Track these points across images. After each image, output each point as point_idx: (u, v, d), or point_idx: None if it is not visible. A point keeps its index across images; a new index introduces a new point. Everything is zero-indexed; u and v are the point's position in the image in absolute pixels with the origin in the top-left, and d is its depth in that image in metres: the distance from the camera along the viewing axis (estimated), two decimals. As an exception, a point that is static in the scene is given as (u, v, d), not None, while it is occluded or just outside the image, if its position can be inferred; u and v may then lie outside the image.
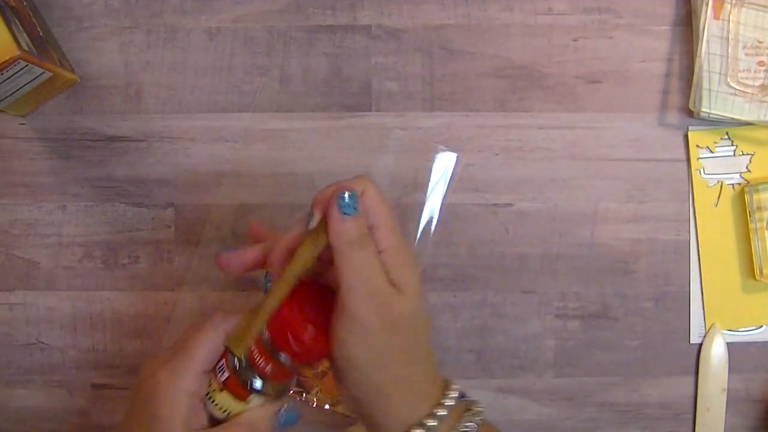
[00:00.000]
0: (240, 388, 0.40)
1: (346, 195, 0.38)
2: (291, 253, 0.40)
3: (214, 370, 0.41)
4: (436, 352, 0.42)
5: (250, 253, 0.44)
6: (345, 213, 0.38)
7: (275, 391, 0.41)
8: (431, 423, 0.40)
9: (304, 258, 0.39)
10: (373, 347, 0.38)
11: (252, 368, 0.40)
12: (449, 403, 0.41)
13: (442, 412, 0.40)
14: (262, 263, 0.44)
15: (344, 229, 0.38)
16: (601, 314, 0.58)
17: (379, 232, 0.39)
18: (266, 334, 0.40)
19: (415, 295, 0.39)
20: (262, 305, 0.40)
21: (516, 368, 0.58)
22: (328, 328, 0.39)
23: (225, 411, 0.40)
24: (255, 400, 0.41)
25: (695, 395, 0.58)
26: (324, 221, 0.39)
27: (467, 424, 0.41)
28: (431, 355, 0.42)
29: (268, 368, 0.40)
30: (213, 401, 0.40)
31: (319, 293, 0.41)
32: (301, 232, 0.40)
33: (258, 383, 0.40)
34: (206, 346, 0.40)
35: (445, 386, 0.42)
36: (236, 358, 0.40)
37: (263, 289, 0.42)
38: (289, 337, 0.39)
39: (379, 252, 0.39)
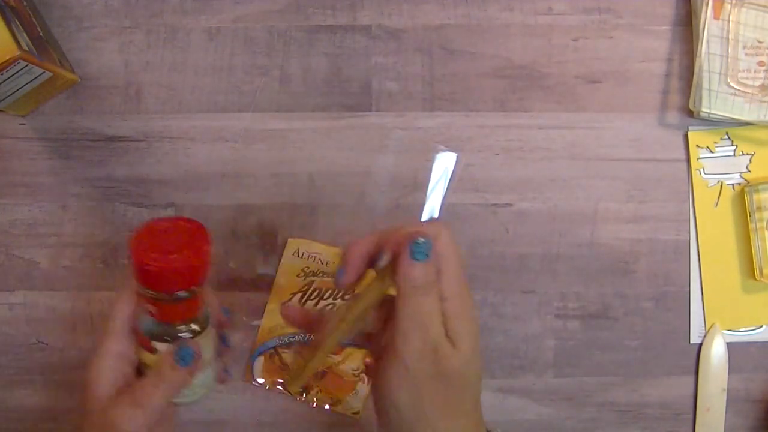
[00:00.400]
0: (144, 340, 0.42)
1: (421, 240, 0.38)
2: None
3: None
4: (480, 407, 0.41)
5: (312, 313, 0.46)
6: (416, 258, 0.37)
7: (171, 334, 0.42)
8: None
9: (368, 299, 0.39)
10: (419, 395, 0.38)
11: (145, 316, 0.42)
12: None
13: None
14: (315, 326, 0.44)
15: (413, 274, 0.37)
16: (601, 314, 0.58)
17: (445, 280, 0.39)
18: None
19: (470, 350, 0.39)
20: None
21: (516, 368, 0.58)
22: (182, 251, 0.40)
23: (147, 366, 0.43)
24: (160, 347, 0.42)
25: (695, 395, 0.58)
26: (392, 263, 0.38)
27: None
28: (477, 409, 0.41)
29: (151, 309, 0.41)
30: (141, 362, 0.43)
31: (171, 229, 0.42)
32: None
33: (146, 323, 0.42)
34: (121, 308, 0.43)
35: None
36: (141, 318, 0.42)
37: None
38: (137, 266, 0.40)
39: (442, 300, 0.38)
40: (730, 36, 0.56)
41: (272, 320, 0.57)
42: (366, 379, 0.57)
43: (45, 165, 0.58)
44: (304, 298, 0.57)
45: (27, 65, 0.51)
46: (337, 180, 0.58)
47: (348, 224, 0.58)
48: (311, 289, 0.57)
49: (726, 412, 0.58)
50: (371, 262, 0.40)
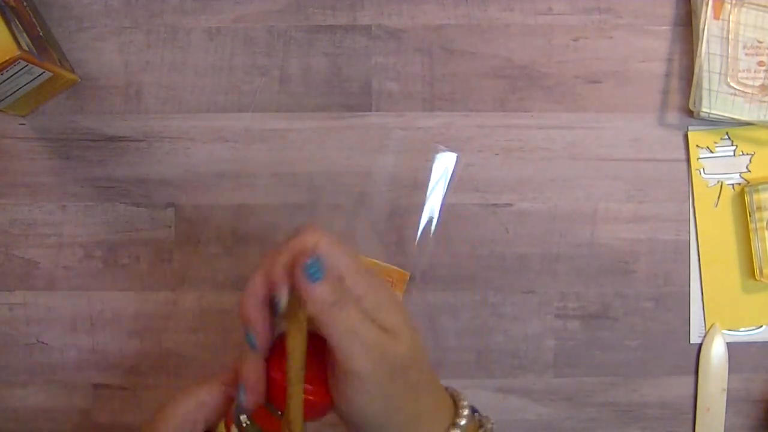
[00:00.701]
0: None
1: (309, 261, 0.35)
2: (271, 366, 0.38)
3: None
4: (435, 377, 0.42)
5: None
6: (315, 279, 0.35)
7: None
8: None
9: (298, 347, 0.37)
10: (382, 397, 0.38)
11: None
12: (462, 422, 0.41)
13: None
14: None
15: (322, 296, 0.35)
16: (601, 314, 0.58)
17: (351, 280, 0.37)
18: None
19: (408, 333, 0.38)
20: (288, 418, 0.37)
21: (516, 368, 0.58)
22: (323, 380, 0.38)
23: None
24: None
25: (695, 395, 0.58)
26: (294, 297, 0.36)
27: None
28: (434, 378, 0.41)
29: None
30: None
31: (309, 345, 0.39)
32: (254, 352, 0.37)
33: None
34: (175, 420, 0.39)
35: (455, 404, 0.42)
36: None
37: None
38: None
39: (358, 300, 0.37)
40: (730, 36, 0.56)
41: None
42: None
43: (45, 165, 0.58)
44: None
45: (27, 65, 0.51)
46: (337, 180, 0.58)
47: (348, 224, 0.58)
48: None
49: (726, 412, 0.58)
50: (271, 308, 0.37)
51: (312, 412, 0.38)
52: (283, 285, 0.36)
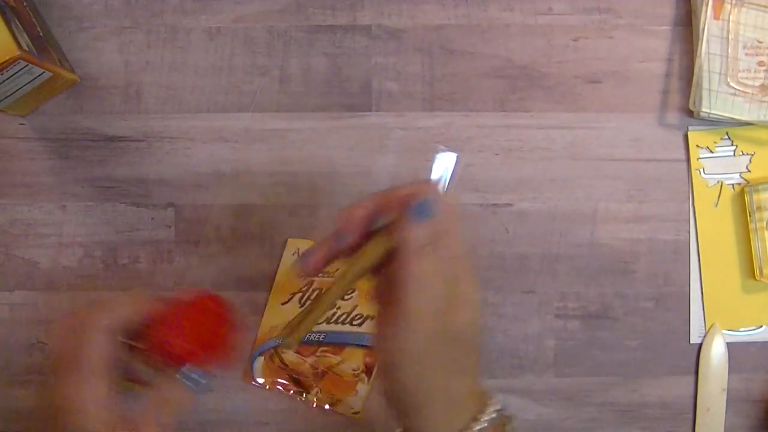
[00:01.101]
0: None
1: (424, 199, 0.38)
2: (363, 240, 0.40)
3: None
4: (479, 366, 0.42)
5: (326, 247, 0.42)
6: (420, 218, 0.38)
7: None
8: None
9: (370, 257, 0.39)
10: (423, 350, 0.38)
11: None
12: (486, 417, 0.40)
13: (478, 427, 0.40)
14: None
15: (417, 235, 0.37)
16: (601, 314, 0.58)
17: (448, 241, 0.39)
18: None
19: (473, 309, 0.39)
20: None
21: (516, 368, 0.58)
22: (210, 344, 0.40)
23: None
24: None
25: (695, 395, 0.58)
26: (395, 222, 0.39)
27: None
28: (476, 368, 0.41)
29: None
30: None
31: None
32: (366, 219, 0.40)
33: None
34: (97, 353, 0.39)
35: (485, 400, 0.42)
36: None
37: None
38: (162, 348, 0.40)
39: (445, 261, 0.38)
40: (730, 36, 0.56)
41: (272, 320, 0.57)
42: (366, 379, 0.57)
43: (45, 165, 0.58)
44: (304, 298, 0.57)
45: (27, 65, 0.51)
46: (337, 180, 0.58)
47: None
48: (311, 288, 0.57)
49: (726, 412, 0.58)
50: (371, 224, 0.40)
51: (177, 358, 0.40)
52: (390, 211, 0.39)
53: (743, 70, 0.56)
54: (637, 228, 0.58)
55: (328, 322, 0.56)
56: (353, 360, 0.57)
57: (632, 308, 0.58)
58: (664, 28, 0.59)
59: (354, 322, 0.56)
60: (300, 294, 0.57)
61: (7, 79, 0.51)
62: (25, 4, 0.55)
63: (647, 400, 0.59)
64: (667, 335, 0.58)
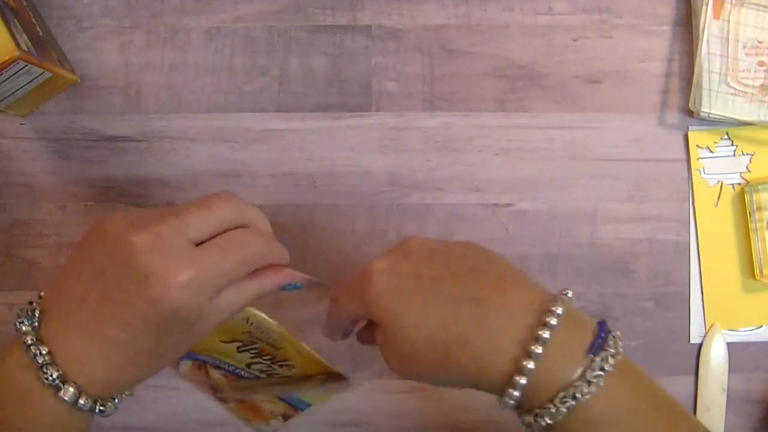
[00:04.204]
0: None
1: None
2: None
3: None
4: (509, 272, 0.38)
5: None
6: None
7: None
8: (537, 350, 0.34)
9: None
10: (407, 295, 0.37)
11: None
12: (553, 321, 0.35)
13: (546, 335, 0.34)
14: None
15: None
16: (601, 314, 0.58)
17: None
18: None
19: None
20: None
21: (516, 368, 0.58)
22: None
23: None
24: None
25: (695, 395, 0.58)
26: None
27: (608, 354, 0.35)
28: (496, 265, 0.38)
29: None
30: None
31: None
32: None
33: None
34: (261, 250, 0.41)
35: (549, 298, 0.37)
36: None
37: None
38: None
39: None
40: (730, 36, 0.56)
41: (208, 343, 0.53)
42: (281, 422, 0.56)
43: (45, 165, 0.58)
44: (243, 348, 0.52)
45: (26, 65, 0.51)
46: (337, 180, 0.58)
47: (348, 225, 0.58)
48: (252, 346, 0.52)
49: (726, 412, 0.58)
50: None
51: None
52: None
53: (743, 70, 0.56)
54: (637, 228, 0.58)
55: (261, 372, 0.53)
56: (275, 406, 0.55)
57: (632, 308, 0.58)
58: (664, 28, 0.59)
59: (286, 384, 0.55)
60: (240, 344, 0.52)
61: (7, 79, 0.51)
62: (24, 4, 0.55)
63: (647, 400, 0.59)
64: (667, 335, 0.58)
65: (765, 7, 0.56)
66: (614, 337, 0.37)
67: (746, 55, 0.56)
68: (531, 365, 0.34)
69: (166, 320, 0.36)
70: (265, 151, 0.58)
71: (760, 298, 0.58)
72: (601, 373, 0.35)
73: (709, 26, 0.56)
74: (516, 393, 0.35)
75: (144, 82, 0.58)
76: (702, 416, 0.58)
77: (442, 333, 0.36)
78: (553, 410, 0.35)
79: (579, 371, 0.35)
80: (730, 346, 0.58)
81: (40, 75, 0.53)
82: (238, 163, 0.58)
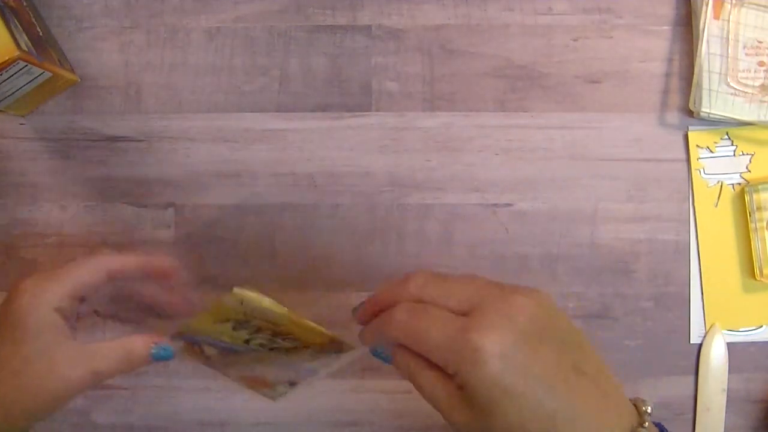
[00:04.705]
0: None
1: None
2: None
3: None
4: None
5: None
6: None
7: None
8: None
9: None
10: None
11: None
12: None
13: None
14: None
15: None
16: (601, 314, 0.58)
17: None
18: None
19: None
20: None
21: (516, 368, 0.58)
22: None
23: None
24: None
25: (695, 395, 0.58)
26: None
27: None
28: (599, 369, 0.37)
29: None
30: None
31: None
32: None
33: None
34: (83, 271, 0.43)
35: (636, 409, 0.38)
36: None
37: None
38: None
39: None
40: (730, 36, 0.56)
41: (200, 325, 0.49)
42: (288, 385, 0.53)
43: (45, 165, 0.58)
44: (239, 327, 0.49)
45: (26, 65, 0.51)
46: (337, 180, 0.58)
47: (347, 225, 0.58)
48: (250, 323, 0.49)
49: (726, 412, 0.58)
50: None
51: None
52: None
53: (743, 70, 0.56)
54: (637, 228, 0.58)
55: (261, 346, 0.50)
56: (279, 375, 0.53)
57: (632, 308, 0.58)
58: (664, 28, 0.59)
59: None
60: (235, 323, 0.49)
61: (7, 79, 0.51)
62: (24, 4, 0.55)
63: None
64: (667, 335, 0.58)
65: (765, 7, 0.56)
66: None
67: (746, 55, 0.56)
68: None
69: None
70: (265, 151, 0.58)
71: (760, 298, 0.58)
72: None
73: (709, 26, 0.56)
74: None
75: (144, 82, 0.58)
76: (702, 416, 0.58)
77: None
78: None
79: None
80: (730, 346, 0.58)
81: (40, 75, 0.53)
82: (238, 163, 0.58)
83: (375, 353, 0.41)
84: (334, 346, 0.48)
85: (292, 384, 0.53)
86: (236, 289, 0.43)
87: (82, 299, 0.45)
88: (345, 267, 0.57)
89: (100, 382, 0.43)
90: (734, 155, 0.58)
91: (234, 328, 0.48)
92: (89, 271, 0.44)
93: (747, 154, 0.58)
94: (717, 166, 0.58)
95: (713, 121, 0.57)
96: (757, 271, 0.57)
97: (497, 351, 0.34)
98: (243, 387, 0.54)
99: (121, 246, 0.58)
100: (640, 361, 0.58)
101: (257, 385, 0.54)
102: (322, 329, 0.48)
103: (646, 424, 0.36)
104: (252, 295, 0.44)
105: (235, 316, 0.46)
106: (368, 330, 0.41)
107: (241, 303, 0.45)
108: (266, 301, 0.44)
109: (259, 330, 0.49)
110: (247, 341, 0.49)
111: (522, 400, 0.34)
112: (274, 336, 0.49)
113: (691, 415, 0.58)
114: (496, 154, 0.58)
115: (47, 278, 0.43)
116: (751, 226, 0.57)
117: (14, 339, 0.41)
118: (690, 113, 0.58)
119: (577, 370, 0.36)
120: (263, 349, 0.50)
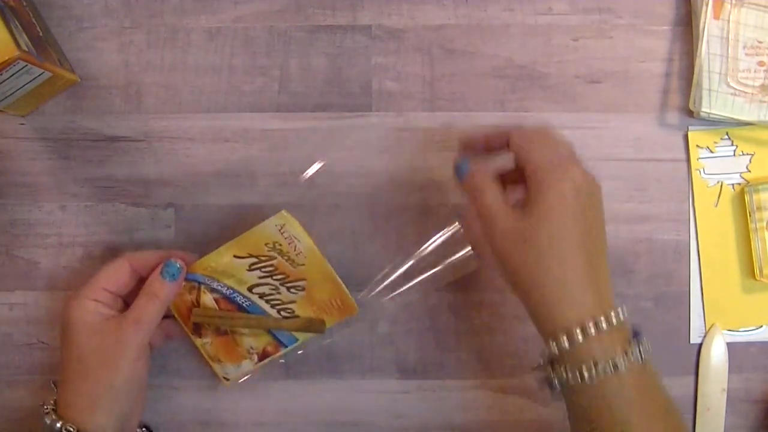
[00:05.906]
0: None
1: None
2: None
3: None
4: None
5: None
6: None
7: None
8: (604, 325, 0.42)
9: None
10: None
11: None
12: (620, 318, 0.43)
13: (609, 322, 0.42)
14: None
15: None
16: (601, 314, 0.58)
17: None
18: None
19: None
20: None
21: (516, 368, 0.58)
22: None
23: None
24: None
25: (695, 395, 0.58)
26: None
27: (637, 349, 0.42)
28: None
29: None
30: None
31: None
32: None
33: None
34: (109, 268, 0.52)
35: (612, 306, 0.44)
36: None
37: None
38: None
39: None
40: (730, 36, 0.56)
41: (217, 262, 0.54)
42: (256, 360, 0.55)
43: (45, 165, 0.58)
44: (256, 266, 0.54)
45: (26, 65, 0.51)
46: (337, 180, 0.58)
47: (348, 225, 0.58)
48: (268, 263, 0.54)
49: (726, 412, 0.58)
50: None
51: None
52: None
53: (743, 70, 0.56)
54: (637, 228, 0.58)
55: (261, 297, 0.54)
56: (257, 341, 0.55)
57: (632, 308, 0.58)
58: (664, 28, 0.59)
59: (282, 313, 0.55)
60: (255, 259, 0.54)
61: (7, 79, 0.51)
62: (24, 4, 0.55)
63: (647, 400, 0.59)
64: (667, 335, 0.58)
65: (765, 7, 0.56)
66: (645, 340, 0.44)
67: (746, 55, 0.56)
68: (592, 331, 0.42)
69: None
70: (265, 151, 0.58)
71: (760, 298, 0.58)
72: (639, 355, 0.42)
73: (709, 26, 0.56)
74: (565, 345, 0.42)
75: (144, 82, 0.58)
76: (702, 416, 0.58)
77: (577, 247, 0.44)
78: (588, 373, 0.42)
79: (619, 349, 0.42)
80: (730, 346, 0.58)
81: (40, 75, 0.53)
82: (238, 163, 0.58)
83: (458, 166, 0.48)
84: (316, 325, 0.54)
85: (262, 358, 0.56)
86: (285, 211, 0.51)
87: (117, 296, 0.52)
88: (345, 267, 0.57)
89: (147, 331, 0.50)
90: (734, 155, 0.58)
91: (250, 268, 0.54)
92: (114, 267, 0.52)
93: (747, 154, 0.58)
94: (717, 166, 0.58)
95: (713, 121, 0.57)
96: (757, 271, 0.57)
97: (577, 185, 0.45)
98: (206, 355, 0.55)
99: (121, 246, 0.58)
100: (640, 361, 0.58)
101: (226, 356, 0.56)
102: (338, 279, 0.53)
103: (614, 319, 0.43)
104: (294, 221, 0.51)
105: (260, 249, 0.53)
106: (472, 138, 0.50)
107: (281, 229, 0.52)
108: (304, 232, 0.52)
109: (273, 273, 0.54)
110: (251, 287, 0.54)
111: (563, 229, 0.44)
112: (282, 284, 0.54)
113: (691, 415, 0.58)
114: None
115: (82, 284, 0.52)
116: (751, 226, 0.57)
117: (70, 338, 0.51)
118: (690, 113, 0.58)
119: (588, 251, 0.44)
120: (261, 302, 0.54)
